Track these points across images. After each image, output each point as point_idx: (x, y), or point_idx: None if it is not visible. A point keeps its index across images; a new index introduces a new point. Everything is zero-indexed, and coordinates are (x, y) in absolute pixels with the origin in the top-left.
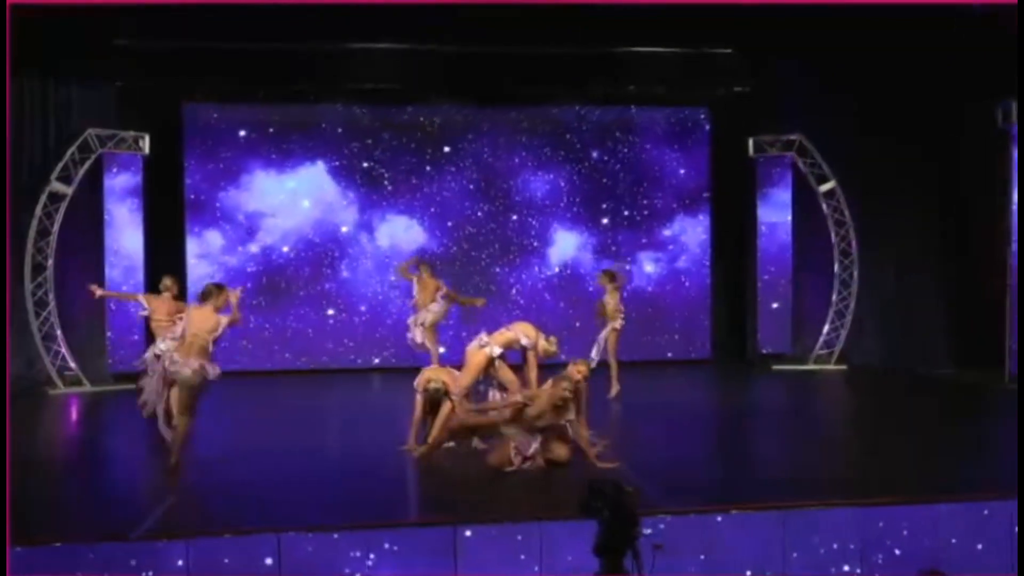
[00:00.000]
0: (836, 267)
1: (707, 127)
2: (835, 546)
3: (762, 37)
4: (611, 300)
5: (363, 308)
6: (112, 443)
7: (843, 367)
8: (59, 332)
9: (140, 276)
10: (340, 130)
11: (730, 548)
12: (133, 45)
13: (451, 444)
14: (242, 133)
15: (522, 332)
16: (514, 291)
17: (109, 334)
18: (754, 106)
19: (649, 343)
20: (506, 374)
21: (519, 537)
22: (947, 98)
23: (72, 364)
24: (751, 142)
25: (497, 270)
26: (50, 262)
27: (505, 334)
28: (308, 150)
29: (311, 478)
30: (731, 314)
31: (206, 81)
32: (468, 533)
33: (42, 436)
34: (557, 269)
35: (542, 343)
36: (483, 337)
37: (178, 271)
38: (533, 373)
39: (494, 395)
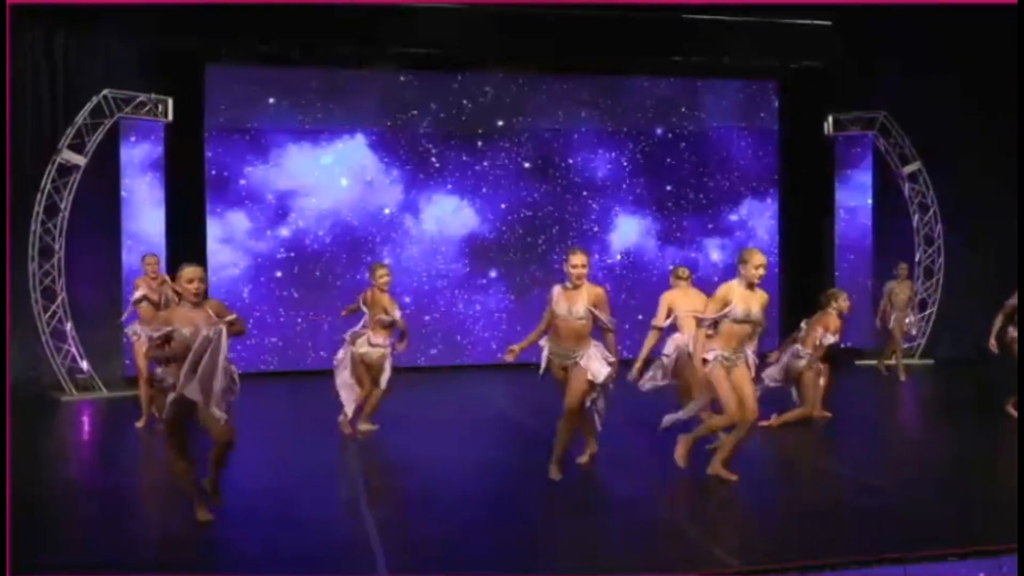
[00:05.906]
0: (918, 254)
1: (776, 103)
2: None
3: (841, 6)
4: None
5: (407, 300)
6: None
7: (929, 362)
8: (70, 327)
9: (161, 264)
10: (382, 99)
11: None
12: None
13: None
14: (272, 100)
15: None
16: None
17: (126, 330)
18: (830, 81)
19: None
20: None
21: None
22: None
23: (84, 365)
24: (829, 120)
25: (555, 257)
26: (59, 245)
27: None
28: (346, 121)
29: (509, 505)
30: (802, 305)
31: (233, 40)
32: None
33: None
34: (619, 256)
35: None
36: None
37: (199, 257)
38: None
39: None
